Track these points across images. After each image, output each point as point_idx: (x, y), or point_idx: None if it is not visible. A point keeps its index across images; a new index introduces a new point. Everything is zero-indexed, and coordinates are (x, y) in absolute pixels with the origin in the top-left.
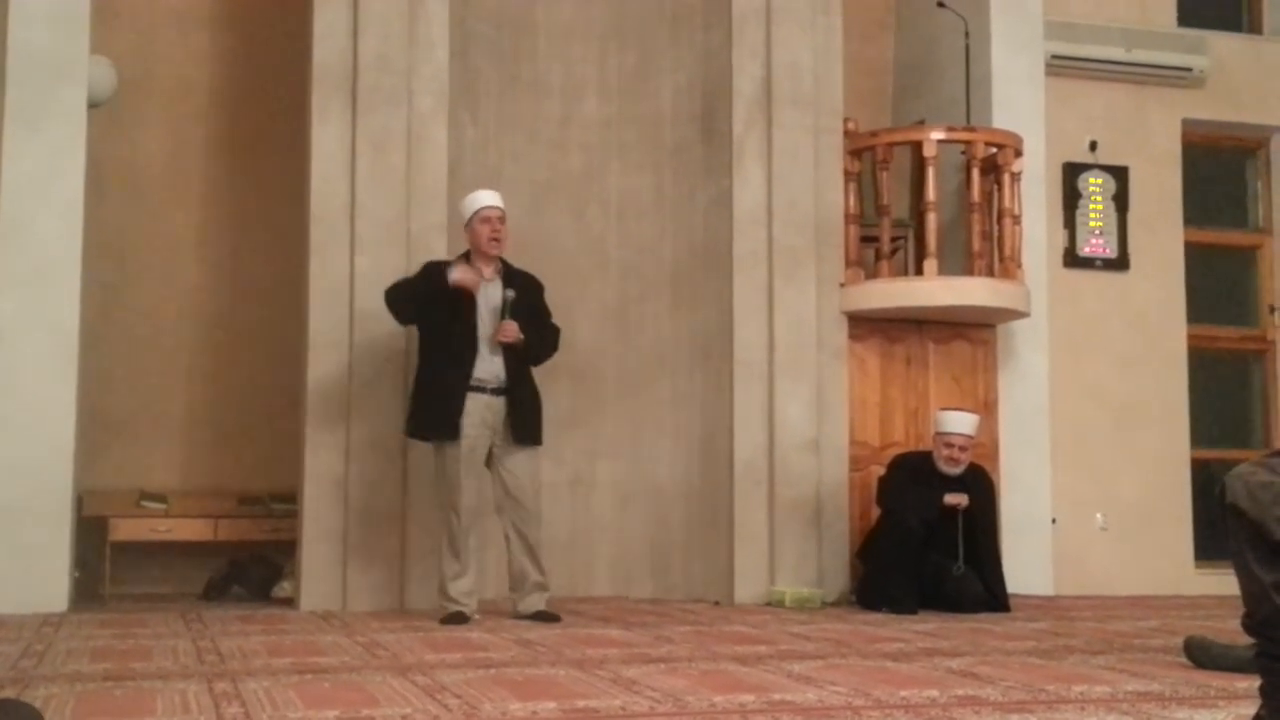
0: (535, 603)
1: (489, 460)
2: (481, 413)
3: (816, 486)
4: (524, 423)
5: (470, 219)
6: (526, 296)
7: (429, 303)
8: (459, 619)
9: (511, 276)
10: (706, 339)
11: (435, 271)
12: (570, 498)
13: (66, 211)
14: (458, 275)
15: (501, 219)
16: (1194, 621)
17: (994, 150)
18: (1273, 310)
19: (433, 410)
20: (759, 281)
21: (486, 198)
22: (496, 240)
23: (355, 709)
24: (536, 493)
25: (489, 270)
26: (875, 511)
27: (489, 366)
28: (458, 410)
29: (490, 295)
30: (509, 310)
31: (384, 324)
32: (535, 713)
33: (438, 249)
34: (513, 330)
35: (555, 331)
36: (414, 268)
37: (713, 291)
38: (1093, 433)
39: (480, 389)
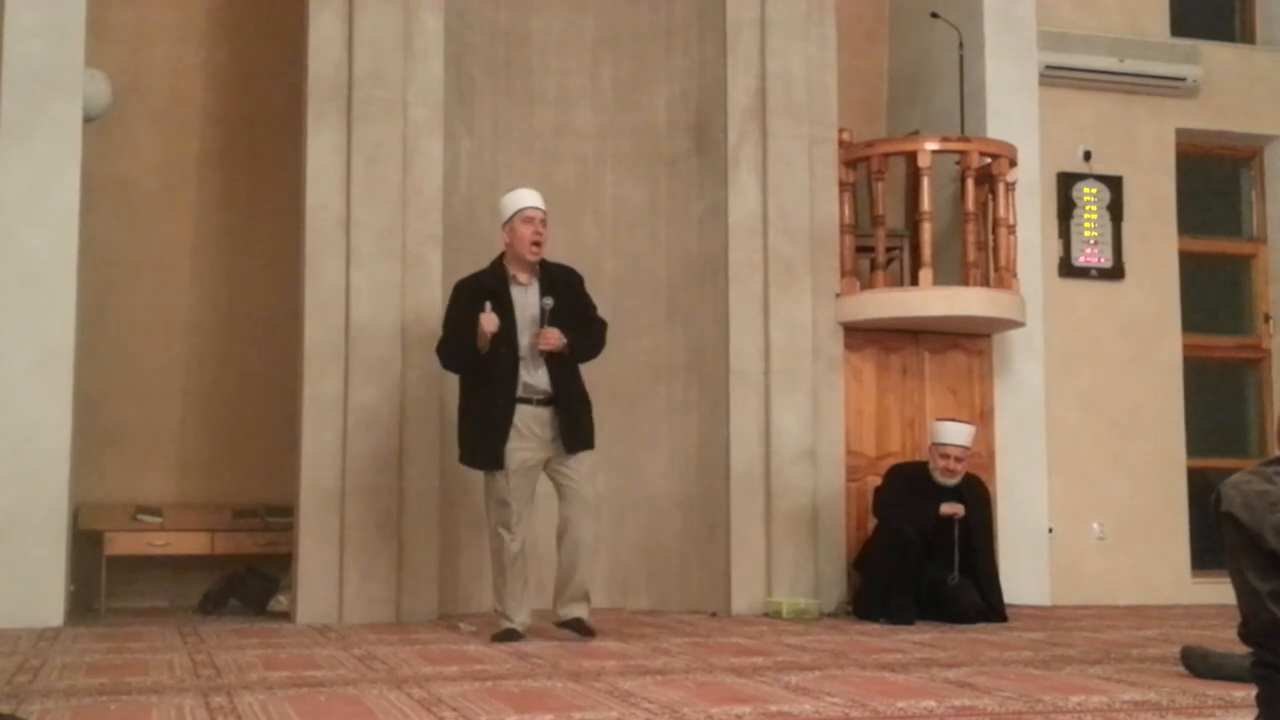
0: (576, 610)
1: (545, 467)
2: (530, 424)
3: (813, 497)
4: (575, 428)
5: (511, 218)
6: (566, 294)
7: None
8: (511, 636)
9: (549, 276)
10: (702, 350)
11: (468, 335)
12: None
13: (60, 225)
14: (482, 342)
15: (544, 220)
16: (1191, 631)
17: (988, 160)
18: (1267, 319)
19: (478, 439)
20: (754, 292)
21: (529, 197)
22: (539, 244)
23: None
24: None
25: (525, 275)
26: (872, 522)
27: (534, 378)
28: (502, 439)
29: (529, 303)
30: (548, 319)
31: (379, 336)
32: None
33: (433, 261)
34: (554, 337)
35: (601, 326)
36: (409, 280)
37: (708, 302)
38: (1089, 442)
39: (527, 400)
